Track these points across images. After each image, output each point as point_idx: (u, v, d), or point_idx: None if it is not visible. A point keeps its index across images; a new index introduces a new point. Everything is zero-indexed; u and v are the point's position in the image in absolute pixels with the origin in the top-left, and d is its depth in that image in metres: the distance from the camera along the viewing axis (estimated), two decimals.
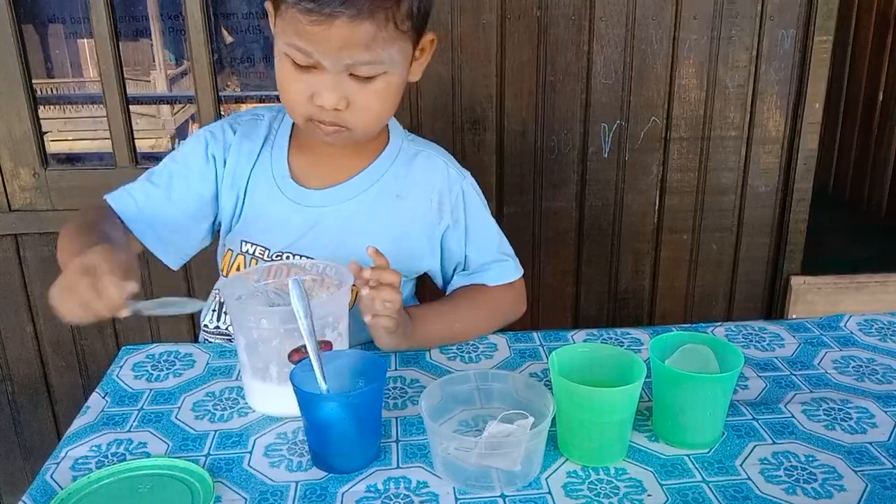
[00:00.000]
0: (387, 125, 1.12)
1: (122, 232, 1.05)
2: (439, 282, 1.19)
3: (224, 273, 1.13)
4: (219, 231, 1.16)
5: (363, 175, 1.09)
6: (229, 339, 1.15)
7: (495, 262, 1.15)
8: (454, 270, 1.17)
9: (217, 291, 1.17)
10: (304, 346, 0.84)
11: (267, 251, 1.09)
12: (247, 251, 1.10)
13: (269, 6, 0.98)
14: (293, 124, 1.12)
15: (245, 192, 1.10)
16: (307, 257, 1.08)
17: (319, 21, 0.88)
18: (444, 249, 1.15)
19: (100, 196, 1.74)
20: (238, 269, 1.10)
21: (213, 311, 1.17)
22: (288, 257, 1.08)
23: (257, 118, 1.14)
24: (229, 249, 1.12)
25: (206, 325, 1.18)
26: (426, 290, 1.28)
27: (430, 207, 1.11)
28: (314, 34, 0.90)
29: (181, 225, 1.11)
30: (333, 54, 0.92)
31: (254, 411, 0.91)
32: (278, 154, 1.10)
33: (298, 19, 0.89)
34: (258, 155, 1.11)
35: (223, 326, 1.16)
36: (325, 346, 0.89)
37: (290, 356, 0.87)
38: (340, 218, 1.08)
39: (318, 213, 1.08)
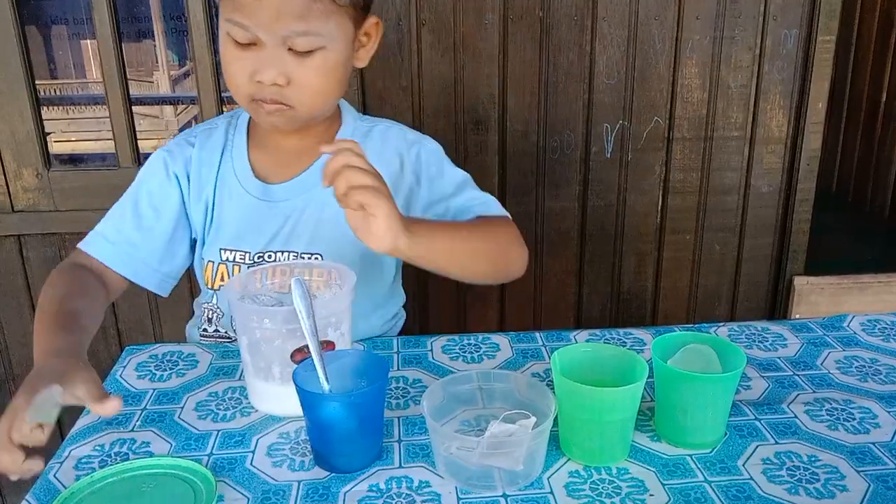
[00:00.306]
0: (340, 110, 1.13)
1: (96, 292, 1.03)
2: None
3: (210, 285, 1.12)
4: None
5: (323, 160, 1.08)
6: (229, 341, 1.15)
7: (479, 201, 1.10)
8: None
9: (204, 305, 1.16)
10: (307, 346, 0.84)
11: (247, 254, 1.09)
12: (227, 259, 1.10)
13: None
14: (248, 126, 1.13)
15: (213, 200, 1.11)
16: (289, 252, 1.08)
17: None
18: (421, 210, 1.11)
19: (102, 196, 1.75)
20: (223, 278, 1.09)
21: (208, 318, 1.16)
22: (270, 256, 1.08)
23: (212, 127, 1.15)
24: (209, 261, 1.11)
25: (204, 330, 1.17)
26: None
27: (393, 172, 1.09)
28: (248, 6, 0.92)
29: (160, 250, 1.10)
30: (269, 26, 0.93)
31: (256, 411, 0.91)
32: (238, 156, 1.11)
33: None
34: (219, 162, 1.11)
35: (222, 330, 1.16)
36: (327, 346, 0.89)
37: (292, 356, 0.87)
38: (310, 207, 1.08)
39: (287, 206, 1.09)
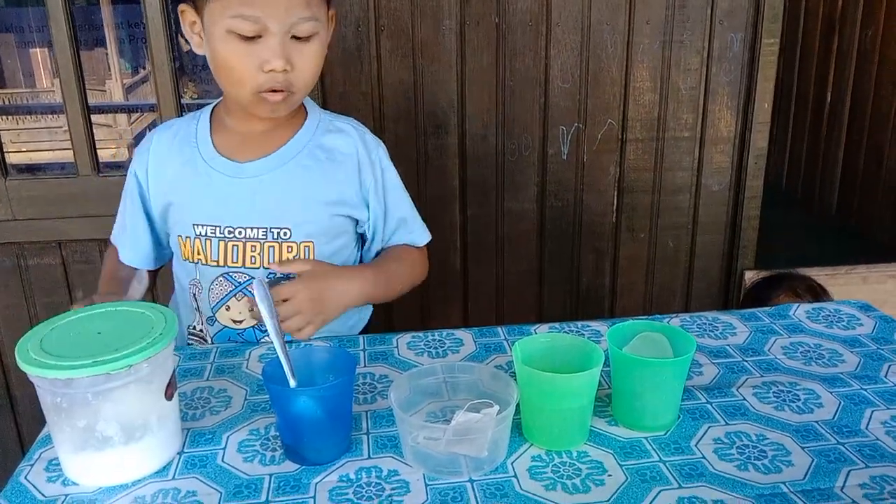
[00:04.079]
0: (303, 103, 1.20)
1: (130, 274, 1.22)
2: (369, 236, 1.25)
3: (188, 258, 1.17)
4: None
5: (291, 144, 1.17)
6: (202, 341, 1.20)
7: (414, 222, 1.25)
8: (374, 231, 1.23)
9: (191, 282, 1.19)
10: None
11: (218, 228, 1.15)
12: (200, 233, 1.15)
13: (185, 7, 1.08)
14: (211, 114, 1.20)
15: (171, 181, 1.18)
16: (258, 228, 1.14)
17: None
18: (369, 208, 1.21)
19: (61, 205, 1.75)
20: (199, 251, 1.15)
21: (194, 295, 1.20)
22: (240, 231, 1.14)
23: (172, 124, 1.24)
24: (179, 235, 1.17)
25: (193, 328, 1.22)
26: None
27: (354, 168, 1.18)
28: None
29: (149, 239, 1.23)
30: (281, 14, 1.02)
31: (226, 409, 0.93)
32: (203, 141, 1.18)
33: None
34: (179, 149, 1.18)
35: (198, 328, 1.21)
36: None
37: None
38: (278, 183, 1.15)
39: (256, 182, 1.15)
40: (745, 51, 1.84)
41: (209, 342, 1.19)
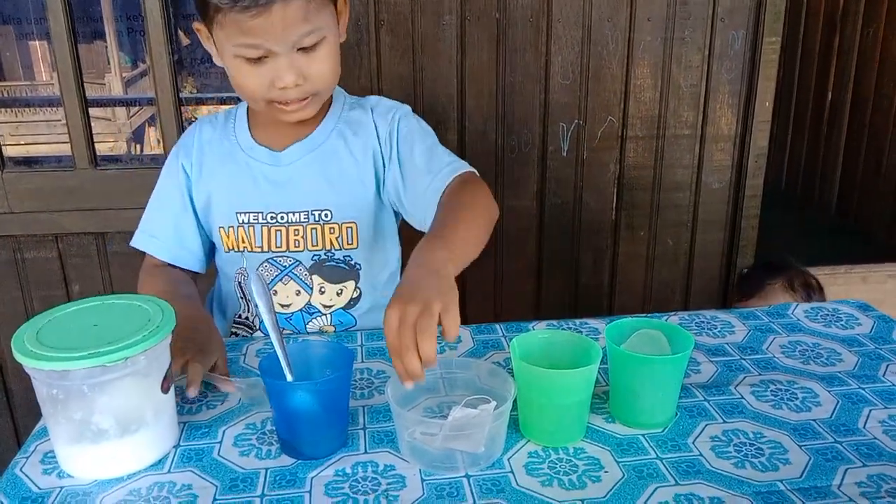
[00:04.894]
0: None
1: (178, 276, 1.19)
2: (405, 205, 1.16)
3: (232, 248, 1.17)
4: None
5: (321, 128, 1.19)
6: (249, 329, 1.23)
7: (445, 152, 1.16)
8: (412, 183, 1.15)
9: (237, 272, 1.21)
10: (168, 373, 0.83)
11: (261, 214, 1.17)
12: (244, 221, 1.17)
13: (199, 27, 1.08)
14: (247, 110, 1.21)
15: (211, 173, 1.19)
16: (300, 212, 1.16)
17: (259, 13, 0.98)
18: (399, 158, 1.16)
19: (59, 198, 1.74)
20: (243, 239, 1.17)
21: (239, 283, 1.21)
22: (283, 216, 1.16)
23: (214, 117, 1.25)
24: (221, 227, 1.18)
25: (238, 316, 1.24)
26: None
27: (372, 130, 1.19)
28: (258, 26, 0.99)
29: (200, 230, 1.22)
30: (281, 37, 1.01)
31: (222, 402, 0.93)
32: (241, 132, 1.20)
33: (239, 20, 0.99)
34: (220, 141, 1.20)
35: (244, 316, 1.23)
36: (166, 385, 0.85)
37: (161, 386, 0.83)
38: (313, 167, 1.17)
39: (292, 168, 1.17)
40: (747, 49, 1.84)
41: (257, 328, 1.22)
